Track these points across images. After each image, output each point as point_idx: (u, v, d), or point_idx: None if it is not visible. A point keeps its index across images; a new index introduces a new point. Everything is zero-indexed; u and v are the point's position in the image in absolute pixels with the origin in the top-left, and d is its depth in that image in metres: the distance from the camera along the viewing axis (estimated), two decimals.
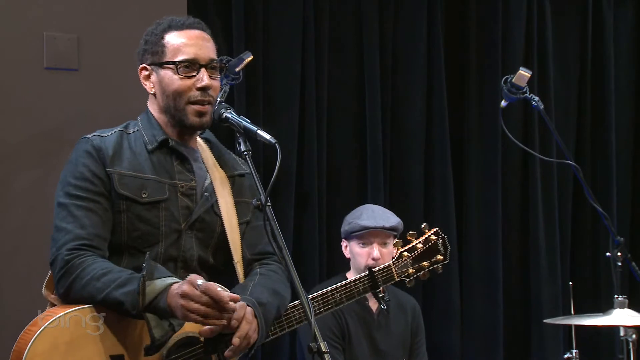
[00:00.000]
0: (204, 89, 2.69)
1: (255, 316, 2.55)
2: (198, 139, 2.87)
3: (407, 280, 3.06)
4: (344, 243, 4.16)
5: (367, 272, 3.00)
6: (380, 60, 5.01)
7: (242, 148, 2.57)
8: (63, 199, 2.66)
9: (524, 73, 3.88)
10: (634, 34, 5.81)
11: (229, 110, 2.67)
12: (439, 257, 3.11)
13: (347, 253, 4.14)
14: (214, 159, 2.85)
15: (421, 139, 5.14)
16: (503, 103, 4.01)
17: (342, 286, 2.92)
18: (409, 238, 3.11)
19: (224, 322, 2.43)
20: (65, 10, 4.06)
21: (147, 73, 2.78)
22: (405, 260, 3.06)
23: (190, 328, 2.57)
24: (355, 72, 5.03)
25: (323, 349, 2.26)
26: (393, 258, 3.08)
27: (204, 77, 2.69)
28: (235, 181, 2.85)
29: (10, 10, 3.97)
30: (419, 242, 3.10)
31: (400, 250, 3.08)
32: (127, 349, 2.51)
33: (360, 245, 4.02)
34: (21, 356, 2.40)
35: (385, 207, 4.31)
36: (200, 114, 2.70)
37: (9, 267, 3.89)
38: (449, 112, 5.19)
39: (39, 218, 3.91)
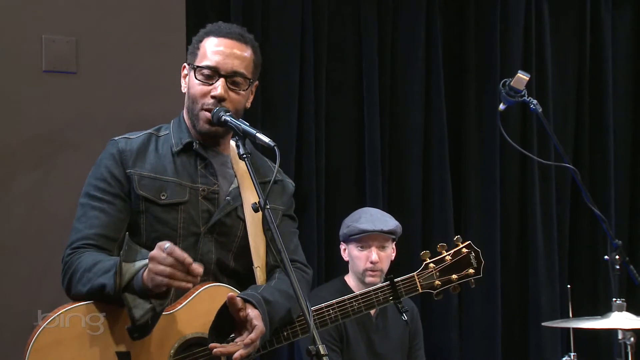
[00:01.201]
0: (216, 99, 2.70)
1: (260, 315, 2.55)
2: (232, 143, 2.87)
3: (435, 292, 2.99)
4: (342, 246, 4.16)
5: (388, 281, 2.95)
6: (379, 63, 5.02)
7: (241, 151, 2.57)
8: (82, 198, 2.72)
9: (522, 76, 3.88)
10: (632, 36, 5.82)
11: (228, 113, 2.67)
12: (471, 270, 3.03)
13: (345, 256, 4.14)
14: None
15: (419, 142, 5.15)
16: (501, 106, 4.00)
17: (361, 295, 2.89)
18: (439, 249, 3.03)
19: (189, 285, 2.42)
20: (63, 13, 4.05)
21: (185, 72, 2.83)
22: (432, 271, 2.99)
23: (197, 329, 2.59)
24: (354, 76, 5.03)
25: (322, 352, 2.25)
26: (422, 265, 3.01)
27: (218, 87, 2.70)
28: (264, 188, 2.83)
29: (9, 13, 3.97)
30: (448, 255, 3.02)
31: (428, 261, 3.00)
32: (133, 346, 2.51)
33: (359, 248, 4.02)
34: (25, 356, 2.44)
35: (383, 210, 4.32)
36: (211, 122, 2.71)
37: (8, 268, 3.89)
38: (447, 115, 5.19)
39: (38, 220, 3.91)
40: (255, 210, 2.49)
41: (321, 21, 4.89)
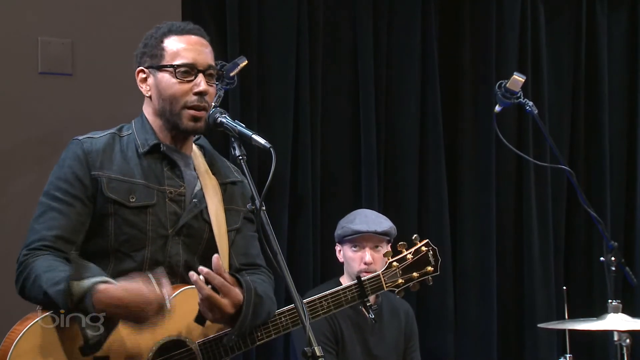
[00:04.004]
0: (200, 94, 2.69)
1: (242, 287, 2.58)
2: (192, 145, 2.87)
3: (397, 290, 3.05)
4: (337, 247, 4.16)
5: (355, 281, 2.99)
6: (375, 65, 5.02)
7: (237, 153, 2.56)
8: (43, 197, 2.71)
9: (518, 78, 3.89)
10: (627, 38, 5.83)
11: (223, 115, 2.66)
12: (429, 268, 3.09)
13: (340, 257, 4.14)
14: (207, 166, 2.85)
15: (415, 144, 5.15)
16: (497, 108, 4.02)
17: (330, 294, 2.92)
18: (400, 248, 3.08)
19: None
20: (59, 15, 4.06)
21: (144, 76, 2.79)
22: (395, 270, 3.04)
23: (173, 332, 2.59)
24: (350, 78, 5.03)
25: (317, 354, 2.26)
26: (386, 263, 3.07)
27: (201, 83, 2.70)
28: (227, 189, 2.84)
29: (5, 15, 3.97)
30: (409, 253, 3.07)
31: (390, 260, 3.06)
32: (110, 350, 2.52)
33: (353, 249, 4.03)
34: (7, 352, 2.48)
35: (379, 212, 4.32)
36: (195, 119, 2.70)
37: (6, 269, 3.87)
38: (443, 117, 5.19)
39: None
40: (251, 212, 2.50)
41: (317, 23, 4.89)
